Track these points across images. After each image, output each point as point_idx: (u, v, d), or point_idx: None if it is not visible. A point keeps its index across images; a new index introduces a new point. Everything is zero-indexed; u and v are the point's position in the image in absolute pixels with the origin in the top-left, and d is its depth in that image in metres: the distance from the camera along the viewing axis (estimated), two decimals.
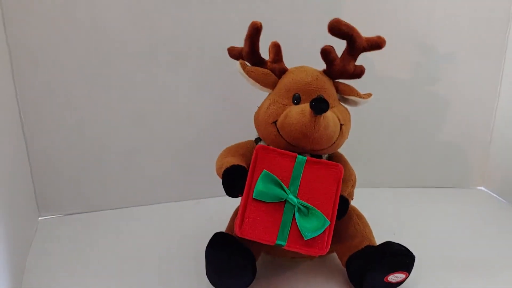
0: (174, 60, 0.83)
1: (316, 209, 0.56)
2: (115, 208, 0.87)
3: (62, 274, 0.66)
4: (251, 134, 0.67)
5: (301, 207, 0.56)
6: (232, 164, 0.59)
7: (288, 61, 0.66)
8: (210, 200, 0.90)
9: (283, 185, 0.56)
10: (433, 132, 0.97)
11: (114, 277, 0.65)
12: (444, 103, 0.95)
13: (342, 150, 0.66)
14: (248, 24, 0.62)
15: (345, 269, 0.64)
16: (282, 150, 0.58)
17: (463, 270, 0.67)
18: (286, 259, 0.69)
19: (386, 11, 0.88)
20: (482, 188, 1.01)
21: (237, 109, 0.87)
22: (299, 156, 0.57)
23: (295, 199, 0.56)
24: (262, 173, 0.56)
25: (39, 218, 0.83)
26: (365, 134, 0.94)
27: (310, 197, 0.56)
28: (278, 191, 0.56)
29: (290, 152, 0.58)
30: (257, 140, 0.65)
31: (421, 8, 0.88)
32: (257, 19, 0.62)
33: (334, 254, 0.67)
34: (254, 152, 0.57)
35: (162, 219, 0.84)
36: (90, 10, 0.76)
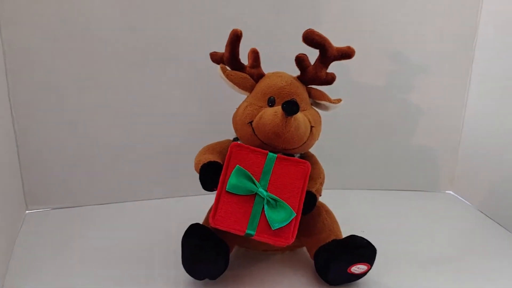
0: (163, 62, 0.85)
1: (284, 201, 0.58)
2: (101, 204, 0.89)
3: (47, 266, 0.67)
4: (232, 134, 0.69)
5: (270, 199, 0.58)
6: (208, 160, 0.62)
7: (266, 67, 0.69)
8: (192, 198, 0.91)
9: (254, 179, 0.59)
10: (404, 137, 0.99)
11: (98, 270, 0.66)
12: (415, 110, 0.97)
13: (317, 152, 0.69)
14: (230, 30, 0.65)
15: (313, 261, 0.66)
16: (255, 148, 0.61)
17: (426, 266, 0.70)
18: (258, 252, 0.71)
19: (363, 22, 0.91)
20: (450, 192, 1.03)
21: (220, 111, 0.87)
22: (270, 153, 0.60)
23: (264, 192, 0.58)
24: (235, 168, 0.59)
25: (26, 211, 0.84)
26: (339, 138, 0.96)
27: (279, 191, 0.59)
28: (249, 184, 0.58)
29: (262, 150, 0.61)
30: (235, 139, 0.67)
31: (395, 21, 0.92)
32: (239, 26, 0.65)
33: (304, 248, 0.70)
34: (229, 149, 0.60)
35: (146, 215, 0.86)
36: (82, 13, 0.79)
